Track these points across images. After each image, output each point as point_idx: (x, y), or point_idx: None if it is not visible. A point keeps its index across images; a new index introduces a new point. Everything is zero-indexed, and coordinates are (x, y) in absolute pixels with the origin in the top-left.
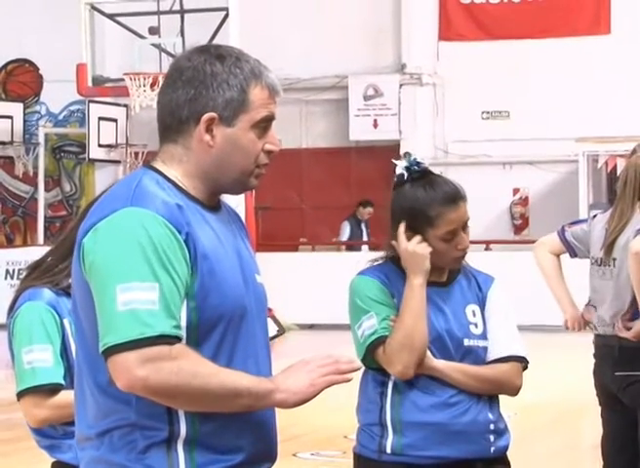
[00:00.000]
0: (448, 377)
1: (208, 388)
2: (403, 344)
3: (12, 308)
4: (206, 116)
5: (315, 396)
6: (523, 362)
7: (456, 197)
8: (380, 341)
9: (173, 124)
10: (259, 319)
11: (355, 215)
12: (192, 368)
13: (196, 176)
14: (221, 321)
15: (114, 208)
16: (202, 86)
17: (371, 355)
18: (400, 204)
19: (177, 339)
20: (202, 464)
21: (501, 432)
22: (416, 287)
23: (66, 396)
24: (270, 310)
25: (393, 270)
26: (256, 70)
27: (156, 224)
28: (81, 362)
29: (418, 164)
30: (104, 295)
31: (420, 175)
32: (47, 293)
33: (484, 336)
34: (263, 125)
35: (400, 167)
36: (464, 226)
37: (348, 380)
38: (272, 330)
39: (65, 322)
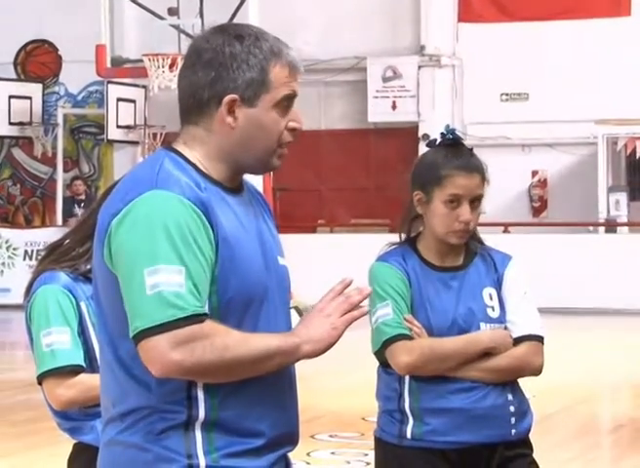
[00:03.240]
0: (464, 377)
1: (240, 358)
2: (423, 360)
3: (28, 292)
4: (228, 98)
5: (339, 338)
6: (541, 340)
7: (473, 167)
8: (396, 339)
9: (194, 106)
10: (280, 300)
11: None
12: (223, 342)
13: (218, 158)
14: (241, 304)
15: (139, 191)
16: (222, 67)
17: (384, 349)
18: (419, 163)
19: (205, 316)
20: (221, 447)
21: (523, 414)
22: (480, 343)
23: (91, 378)
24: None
25: (409, 252)
26: (275, 48)
27: (182, 207)
28: (103, 345)
29: (453, 132)
30: (132, 279)
31: (452, 142)
32: (63, 277)
33: (501, 320)
34: (285, 103)
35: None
36: (473, 201)
37: (366, 313)
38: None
39: (82, 305)
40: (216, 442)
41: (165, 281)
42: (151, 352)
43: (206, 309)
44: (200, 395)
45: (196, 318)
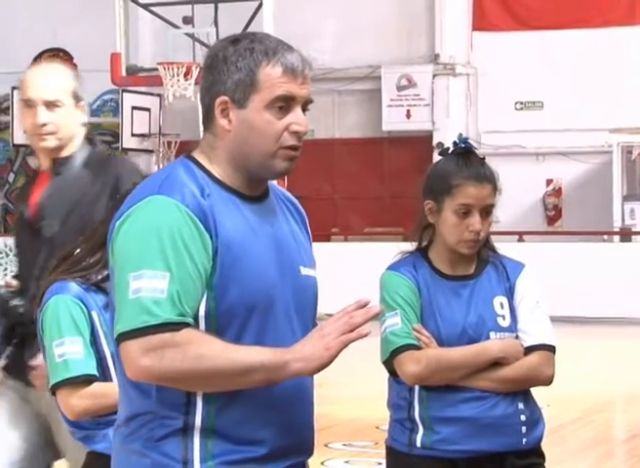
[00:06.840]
0: (473, 386)
1: (217, 368)
2: (430, 370)
3: (39, 302)
4: (218, 100)
5: (333, 359)
6: (552, 350)
7: (483, 177)
8: (403, 349)
9: (203, 113)
10: (297, 312)
11: None
12: (196, 351)
13: (226, 163)
14: (242, 311)
15: (141, 196)
16: (216, 71)
17: (392, 359)
18: (431, 172)
19: (183, 325)
20: (218, 454)
21: (534, 423)
22: (490, 353)
23: (104, 387)
24: None
25: (420, 261)
26: (269, 50)
27: (178, 213)
28: (116, 351)
29: (466, 141)
30: (120, 282)
31: (463, 150)
32: (74, 287)
33: (511, 329)
34: (280, 105)
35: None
36: (484, 210)
37: (364, 336)
38: None
39: (94, 314)
40: (213, 449)
41: (146, 286)
42: (125, 356)
43: (185, 318)
44: (198, 402)
45: (169, 326)
